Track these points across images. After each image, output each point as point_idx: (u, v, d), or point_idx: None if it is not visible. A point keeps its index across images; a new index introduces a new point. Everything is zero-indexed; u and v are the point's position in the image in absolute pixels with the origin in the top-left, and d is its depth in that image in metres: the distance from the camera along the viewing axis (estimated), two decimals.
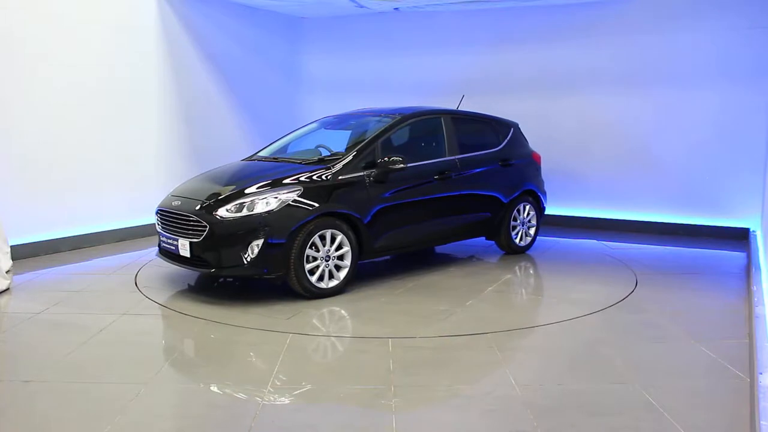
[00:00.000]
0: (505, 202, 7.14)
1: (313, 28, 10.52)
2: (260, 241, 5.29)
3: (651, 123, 8.57)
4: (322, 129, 7.12)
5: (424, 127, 6.87)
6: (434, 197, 6.44)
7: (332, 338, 4.68)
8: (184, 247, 5.53)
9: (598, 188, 8.97)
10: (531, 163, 7.62)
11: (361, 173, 5.89)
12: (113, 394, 3.68)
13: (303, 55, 10.60)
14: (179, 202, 5.72)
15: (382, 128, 6.33)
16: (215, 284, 6.03)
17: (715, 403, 3.67)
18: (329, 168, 5.82)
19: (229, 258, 5.37)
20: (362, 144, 6.12)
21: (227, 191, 5.60)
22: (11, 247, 5.95)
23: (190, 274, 6.38)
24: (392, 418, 3.42)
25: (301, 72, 10.62)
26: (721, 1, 8.06)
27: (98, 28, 7.48)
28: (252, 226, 5.31)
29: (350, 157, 5.95)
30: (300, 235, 5.37)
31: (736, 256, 7.39)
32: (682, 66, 8.33)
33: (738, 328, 4.87)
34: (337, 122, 7.16)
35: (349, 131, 6.92)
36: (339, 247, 5.61)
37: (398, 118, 6.53)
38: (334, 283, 5.61)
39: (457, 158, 6.75)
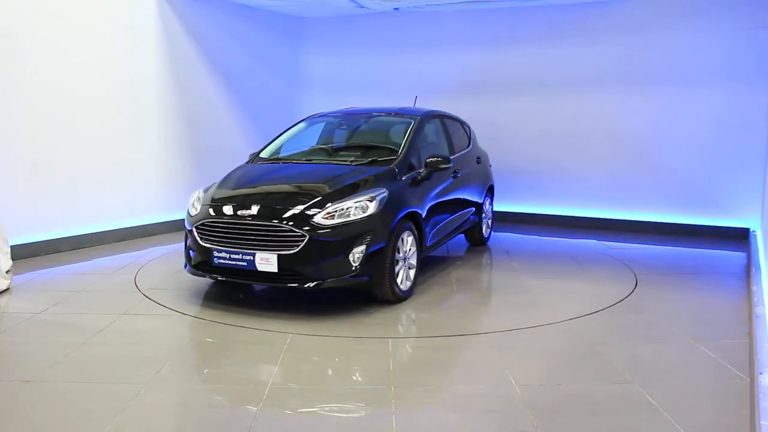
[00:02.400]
0: (482, 197, 7.54)
1: (313, 28, 10.52)
2: (362, 248, 5.02)
3: (651, 123, 8.57)
4: (325, 128, 7.04)
5: (433, 128, 6.95)
6: (452, 195, 6.63)
7: (332, 338, 4.67)
8: (266, 261, 4.96)
9: (598, 188, 8.97)
10: (487, 160, 8.04)
11: (413, 173, 5.91)
12: (113, 394, 3.68)
13: (303, 55, 10.60)
14: (250, 211, 5.13)
15: (413, 129, 6.33)
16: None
17: (715, 403, 3.67)
18: (392, 168, 5.74)
19: (330, 269, 4.99)
20: (407, 144, 6.08)
21: (316, 195, 5.20)
22: (11, 247, 5.95)
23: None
24: (392, 418, 3.42)
25: (301, 72, 10.62)
26: (722, 0, 8.06)
27: (98, 29, 7.48)
28: (354, 232, 5.02)
29: (403, 157, 5.92)
30: (392, 237, 5.25)
31: (736, 256, 7.39)
32: (683, 66, 8.33)
33: (738, 328, 4.86)
34: (340, 122, 7.05)
35: (360, 131, 6.87)
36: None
37: (418, 118, 6.55)
38: (408, 284, 5.55)
39: (457, 157, 6.86)
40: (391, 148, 6.17)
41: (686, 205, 8.49)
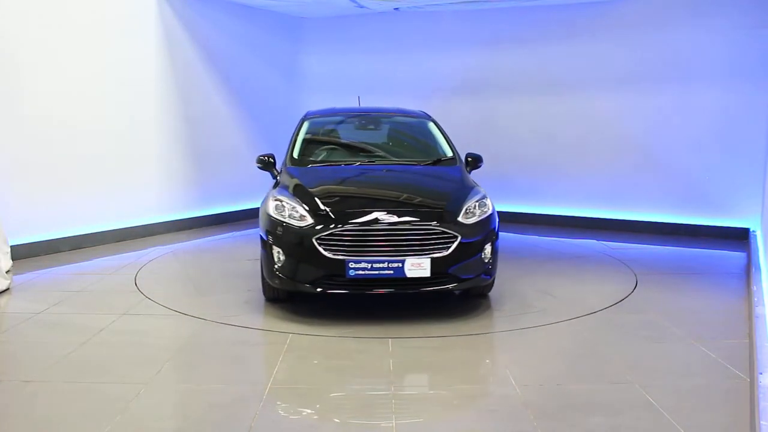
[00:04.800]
0: None
1: (313, 28, 10.52)
2: (489, 245, 5.11)
3: (651, 123, 8.57)
4: (343, 128, 6.81)
5: None
6: None
7: (331, 338, 4.67)
8: (418, 267, 4.75)
9: (599, 188, 8.97)
10: None
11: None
12: (113, 394, 3.68)
13: (303, 55, 10.60)
14: (395, 217, 4.89)
15: (439, 129, 6.49)
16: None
17: (715, 403, 3.67)
18: (461, 168, 5.92)
19: (471, 269, 5.00)
20: (448, 144, 6.26)
21: (442, 196, 5.25)
22: (11, 247, 5.95)
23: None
24: (392, 418, 3.42)
25: (301, 72, 10.62)
26: (721, 2, 8.06)
27: (98, 29, 7.48)
28: (485, 230, 5.09)
29: (458, 157, 6.08)
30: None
31: (736, 256, 7.39)
32: (682, 66, 8.32)
33: (738, 328, 4.86)
34: (358, 122, 6.87)
35: (385, 131, 6.81)
36: None
37: (430, 118, 6.66)
38: None
39: None
40: (430, 147, 6.32)
41: (686, 205, 8.49)
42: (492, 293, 5.81)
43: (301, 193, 5.21)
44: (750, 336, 4.53)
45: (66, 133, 7.22)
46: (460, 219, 4.98)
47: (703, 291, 5.96)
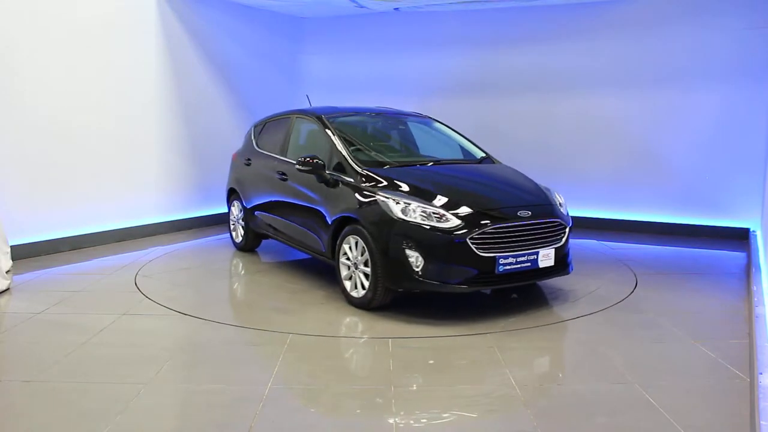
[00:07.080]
0: None
1: (313, 28, 10.52)
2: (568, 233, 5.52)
3: (651, 123, 8.57)
4: (362, 128, 6.65)
5: None
6: None
7: (332, 338, 4.67)
8: (547, 257, 5.15)
9: (598, 188, 8.97)
10: None
11: None
12: (113, 394, 3.68)
13: (303, 55, 10.60)
14: (528, 212, 5.13)
15: (452, 129, 6.81)
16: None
17: (715, 403, 3.67)
18: (506, 165, 6.28)
19: (568, 254, 5.50)
20: (472, 142, 6.65)
21: (533, 190, 5.60)
22: (11, 247, 5.96)
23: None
24: (392, 418, 3.42)
25: (301, 72, 10.62)
26: (720, 2, 8.06)
27: (98, 29, 7.48)
28: (570, 220, 5.55)
29: (489, 155, 6.45)
30: None
31: (736, 256, 7.39)
32: (683, 66, 8.32)
33: (738, 328, 4.87)
34: (375, 121, 6.76)
35: (408, 131, 6.83)
36: None
37: (436, 120, 6.95)
38: None
39: None
40: (464, 147, 6.57)
41: (686, 205, 8.49)
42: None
43: (422, 195, 5.13)
44: (750, 336, 4.53)
45: (66, 134, 7.22)
46: (561, 210, 5.48)
47: (703, 291, 5.97)
